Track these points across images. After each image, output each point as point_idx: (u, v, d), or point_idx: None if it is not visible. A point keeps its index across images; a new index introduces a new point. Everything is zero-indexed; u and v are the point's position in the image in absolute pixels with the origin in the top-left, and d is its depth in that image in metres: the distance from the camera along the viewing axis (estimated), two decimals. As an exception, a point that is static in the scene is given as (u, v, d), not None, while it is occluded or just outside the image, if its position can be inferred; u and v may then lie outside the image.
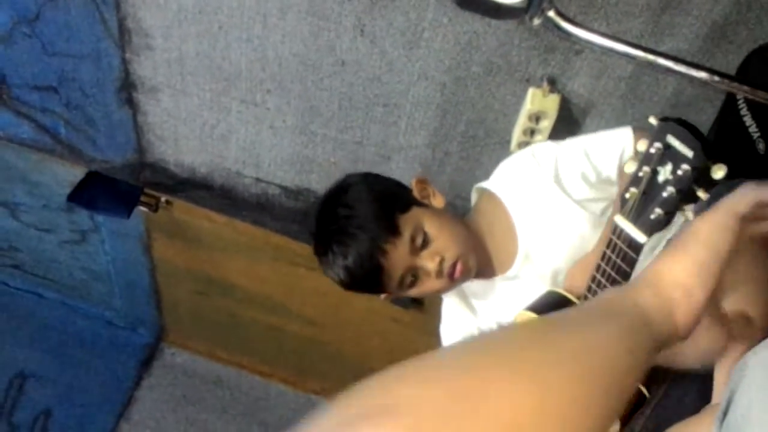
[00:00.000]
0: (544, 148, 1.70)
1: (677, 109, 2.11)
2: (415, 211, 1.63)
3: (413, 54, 2.15)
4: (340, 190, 1.68)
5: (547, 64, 2.10)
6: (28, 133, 2.72)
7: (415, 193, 1.71)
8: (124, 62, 2.40)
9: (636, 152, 1.11)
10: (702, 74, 1.20)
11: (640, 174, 1.11)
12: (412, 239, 1.59)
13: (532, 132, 2.20)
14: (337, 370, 3.77)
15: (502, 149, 2.30)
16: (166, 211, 3.07)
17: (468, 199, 1.85)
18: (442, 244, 1.60)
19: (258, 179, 2.64)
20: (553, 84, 2.13)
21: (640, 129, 1.61)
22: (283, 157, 2.53)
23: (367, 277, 1.60)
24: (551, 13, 1.18)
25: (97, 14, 2.27)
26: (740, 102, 1.84)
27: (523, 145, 2.22)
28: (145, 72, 2.42)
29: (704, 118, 2.10)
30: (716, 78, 1.26)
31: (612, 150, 1.63)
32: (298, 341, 3.72)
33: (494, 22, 2.02)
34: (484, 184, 1.77)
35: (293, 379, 4.04)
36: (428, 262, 1.59)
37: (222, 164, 2.65)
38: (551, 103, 2.13)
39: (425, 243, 1.60)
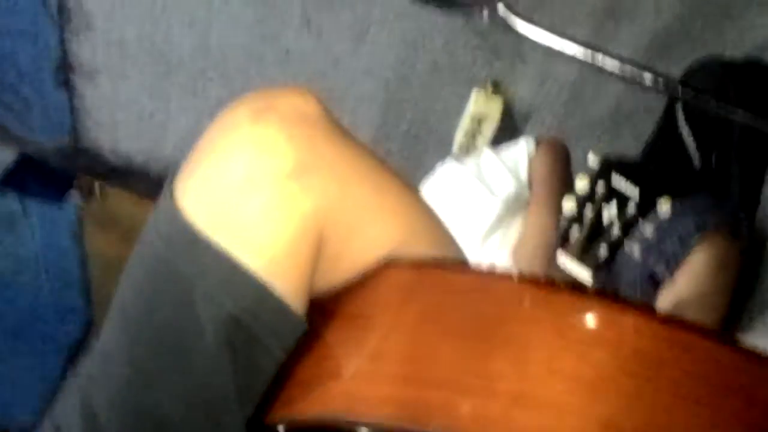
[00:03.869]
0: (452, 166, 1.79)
1: (617, 118, 2.13)
2: None
3: (359, 50, 2.13)
4: None
5: (492, 67, 2.10)
6: (-41, 111, 2.64)
7: None
8: (63, 42, 2.34)
9: (573, 190, 1.16)
10: (647, 75, 1.22)
11: (583, 213, 1.15)
12: None
13: (474, 135, 2.20)
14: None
15: (444, 150, 2.30)
16: (100, 200, 3.00)
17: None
18: None
19: (196, 170, 2.60)
20: (496, 87, 2.13)
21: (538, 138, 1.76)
22: (222, 148, 2.49)
23: None
24: (500, 6, 1.19)
25: (36, -9, 2.21)
26: (678, 114, 1.86)
27: (464, 147, 2.22)
28: (83, 53, 2.36)
29: (643, 129, 2.12)
30: (660, 80, 1.28)
31: (519, 148, 1.74)
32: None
33: (441, 21, 2.02)
34: None
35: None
36: None
37: (160, 153, 2.60)
38: (494, 106, 2.14)
39: None
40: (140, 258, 0.65)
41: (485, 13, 1.09)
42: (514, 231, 1.67)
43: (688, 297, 1.52)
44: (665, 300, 1.56)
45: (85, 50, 2.35)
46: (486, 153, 1.77)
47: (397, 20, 2.05)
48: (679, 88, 1.22)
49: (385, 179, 0.68)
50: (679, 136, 1.90)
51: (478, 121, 2.16)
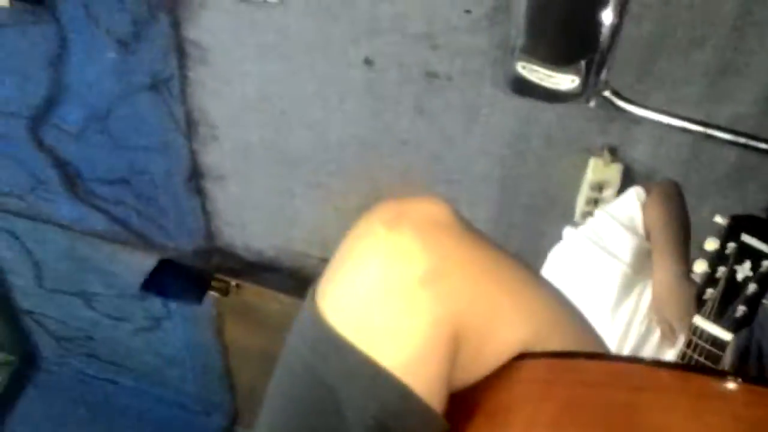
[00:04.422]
0: (571, 234, 1.74)
1: (741, 173, 2.08)
2: None
3: (472, 130, 2.17)
4: None
5: (607, 134, 2.10)
6: (102, 224, 2.80)
7: None
8: (192, 152, 2.47)
9: (704, 252, 1.15)
10: (762, 145, 1.21)
11: (717, 275, 1.14)
12: None
13: (595, 201, 2.19)
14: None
15: (565, 219, 2.29)
16: (236, 295, 3.11)
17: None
18: None
19: (325, 260, 2.65)
20: (613, 153, 2.12)
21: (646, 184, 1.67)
22: (348, 237, 2.55)
23: None
24: (607, 93, 1.20)
25: (164, 108, 2.35)
26: (807, 162, 1.81)
27: (587, 214, 2.21)
28: (212, 161, 2.49)
29: (770, 181, 2.07)
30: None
31: (630, 200, 1.67)
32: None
33: (551, 96, 2.04)
34: None
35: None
36: None
37: (289, 246, 2.69)
38: (613, 172, 2.13)
39: None
40: (286, 363, 0.68)
41: (593, 102, 1.11)
42: (647, 295, 1.63)
43: None
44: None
45: (213, 157, 2.48)
46: (599, 215, 1.74)
47: (507, 98, 2.07)
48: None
49: (517, 276, 0.70)
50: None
51: (599, 188, 2.15)
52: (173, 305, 3.32)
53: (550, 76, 1.13)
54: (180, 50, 2.26)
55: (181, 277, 2.95)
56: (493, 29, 2.00)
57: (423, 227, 0.64)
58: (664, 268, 1.57)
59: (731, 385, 0.53)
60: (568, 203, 2.27)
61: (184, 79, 2.29)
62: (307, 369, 0.63)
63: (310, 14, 2.13)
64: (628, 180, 2.15)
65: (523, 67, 1.17)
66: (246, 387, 3.92)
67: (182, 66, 2.27)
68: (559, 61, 1.14)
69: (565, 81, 1.13)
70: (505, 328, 0.65)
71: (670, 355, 1.57)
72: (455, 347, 0.62)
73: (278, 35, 2.18)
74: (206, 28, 2.23)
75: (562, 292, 0.75)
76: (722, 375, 0.54)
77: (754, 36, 1.84)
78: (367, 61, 2.12)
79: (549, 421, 0.59)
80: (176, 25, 2.23)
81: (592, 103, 1.10)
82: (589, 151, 2.15)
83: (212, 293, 3.07)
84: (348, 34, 2.10)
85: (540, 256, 1.80)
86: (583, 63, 1.12)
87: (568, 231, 1.77)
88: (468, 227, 0.67)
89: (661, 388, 0.55)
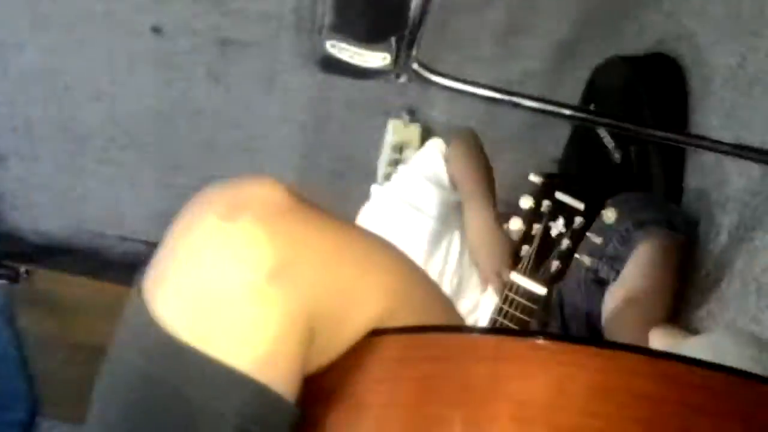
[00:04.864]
0: (377, 192, 1.77)
1: (534, 125, 2.16)
2: None
3: (271, 97, 2.13)
4: None
5: (405, 96, 2.12)
6: None
7: None
8: (-35, 133, 2.28)
9: (519, 210, 1.18)
10: (547, 107, 1.26)
11: (532, 232, 1.18)
12: None
13: (396, 162, 2.21)
14: None
15: (369, 183, 2.30)
16: (27, 282, 2.92)
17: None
18: None
19: (122, 238, 2.55)
20: (412, 114, 2.15)
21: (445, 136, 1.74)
22: (146, 212, 2.45)
23: None
24: (415, 66, 1.21)
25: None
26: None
27: (389, 176, 2.23)
28: (-11, 141, 2.31)
29: (560, 133, 2.16)
30: (566, 111, 1.33)
31: (430, 153, 1.74)
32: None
33: (348, 59, 2.03)
34: None
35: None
36: None
37: (83, 227, 2.55)
38: (413, 133, 2.15)
39: None
40: (118, 377, 0.60)
41: (403, 78, 1.10)
42: (455, 246, 1.66)
43: (635, 291, 1.55)
44: (614, 297, 1.59)
45: (-10, 137, 2.30)
46: (401, 171, 1.76)
47: (305, 64, 2.05)
48: (583, 114, 1.26)
49: (364, 248, 0.66)
50: (597, 135, 1.94)
51: (400, 149, 2.17)
52: (-44, 298, 3.09)
53: (359, 54, 1.12)
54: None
55: (-37, 268, 2.74)
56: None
57: (264, 216, 0.57)
58: (474, 214, 1.61)
59: (583, 352, 0.53)
60: (370, 166, 2.28)
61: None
62: (147, 380, 0.56)
63: (90, -20, 2.00)
64: (427, 139, 2.18)
65: (332, 46, 1.15)
66: (45, 376, 3.72)
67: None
68: (369, 38, 1.12)
69: (376, 58, 1.12)
70: (359, 306, 0.61)
71: (488, 303, 1.62)
72: (309, 336, 0.58)
73: (56, 3, 2.04)
74: (-28, -3, 2.05)
75: (409, 256, 0.73)
76: (574, 342, 0.54)
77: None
78: (155, 29, 2.02)
79: (407, 400, 0.57)
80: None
81: (402, 79, 1.10)
82: (389, 113, 2.17)
83: (0, 282, 2.87)
84: (133, 0, 2.00)
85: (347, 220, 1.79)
86: (393, 40, 1.11)
87: (374, 189, 1.78)
88: (307, 207, 0.61)
89: (517, 357, 0.55)
